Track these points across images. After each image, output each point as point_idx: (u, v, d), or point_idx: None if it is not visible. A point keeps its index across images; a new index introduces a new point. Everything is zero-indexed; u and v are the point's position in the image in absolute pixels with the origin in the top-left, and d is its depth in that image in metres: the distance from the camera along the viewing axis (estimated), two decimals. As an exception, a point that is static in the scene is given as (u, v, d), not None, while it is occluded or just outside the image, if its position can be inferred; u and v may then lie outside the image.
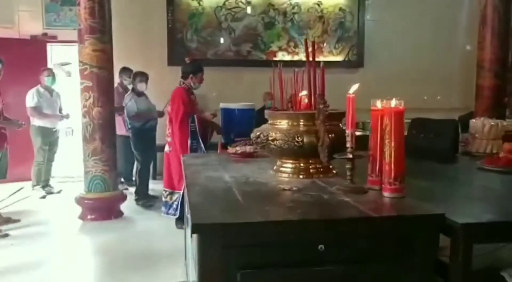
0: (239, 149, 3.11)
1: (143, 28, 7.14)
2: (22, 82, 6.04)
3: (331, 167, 2.31)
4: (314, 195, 1.95)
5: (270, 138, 2.32)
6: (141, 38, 7.11)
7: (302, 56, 7.81)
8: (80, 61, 4.73)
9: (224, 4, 7.47)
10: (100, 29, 4.63)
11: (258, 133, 2.43)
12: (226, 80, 7.14)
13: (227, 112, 4.81)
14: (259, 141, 2.41)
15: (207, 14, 7.42)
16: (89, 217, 4.81)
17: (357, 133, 2.12)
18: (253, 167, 2.64)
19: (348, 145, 1.96)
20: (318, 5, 7.83)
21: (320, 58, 7.80)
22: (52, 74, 6.06)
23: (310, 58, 2.32)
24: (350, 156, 1.96)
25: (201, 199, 1.96)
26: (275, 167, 2.42)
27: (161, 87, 6.51)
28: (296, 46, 7.80)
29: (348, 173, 1.98)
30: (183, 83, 4.45)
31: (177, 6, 7.30)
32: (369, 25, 7.93)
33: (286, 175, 2.31)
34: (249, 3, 7.53)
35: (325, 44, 7.86)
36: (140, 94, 5.76)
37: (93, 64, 4.63)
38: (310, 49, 2.31)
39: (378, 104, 1.95)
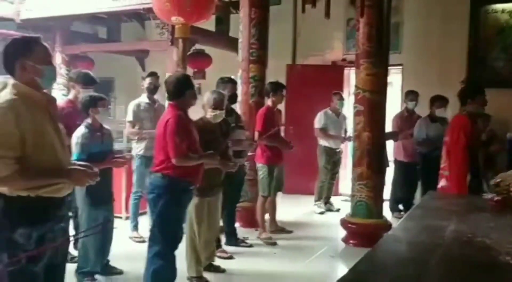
0: (496, 196, 2.48)
1: (438, 47, 6.69)
2: (322, 104, 6.54)
3: None
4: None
5: (511, 188, 1.76)
6: (436, 58, 6.68)
7: None
8: (355, 86, 4.80)
9: (545, 13, 6.20)
10: (375, 54, 4.56)
11: (498, 180, 1.88)
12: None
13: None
14: (498, 190, 1.87)
15: (519, 28, 6.33)
16: (351, 241, 4.78)
17: None
18: (500, 221, 2.07)
19: None
20: None
21: None
22: (341, 98, 6.36)
23: None
24: None
25: (380, 256, 1.64)
26: (524, 227, 1.83)
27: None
28: None
29: None
30: (464, 110, 3.85)
31: (483, 22, 6.50)
32: None
33: (537, 240, 1.71)
34: None
35: None
36: (434, 119, 5.43)
37: (365, 88, 4.61)
38: None
39: None
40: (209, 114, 3.71)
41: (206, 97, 3.79)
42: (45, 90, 2.22)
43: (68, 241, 2.49)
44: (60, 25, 7.30)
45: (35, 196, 2.03)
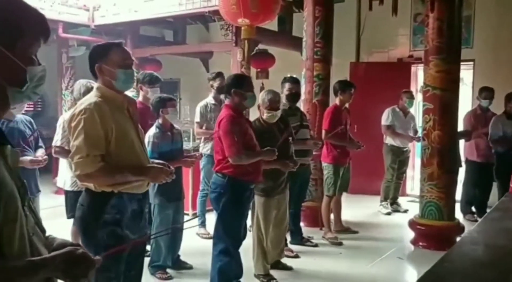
0: None
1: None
2: (387, 102, 6.38)
3: None
4: None
5: None
6: (510, 52, 6.33)
7: None
8: (424, 83, 4.64)
9: None
10: (446, 49, 4.38)
11: None
12: None
13: None
14: None
15: None
16: (420, 243, 4.64)
17: None
18: None
19: None
20: None
21: None
22: (411, 96, 6.18)
23: None
24: None
25: (458, 259, 1.59)
26: None
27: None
28: None
29: None
30: None
31: None
32: None
33: None
34: None
35: None
36: (510, 117, 5.34)
37: (435, 85, 4.44)
38: None
39: None
40: (265, 115, 3.72)
41: (261, 97, 3.76)
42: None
43: (146, 237, 2.61)
44: (130, 30, 7.64)
45: (118, 192, 2.16)
